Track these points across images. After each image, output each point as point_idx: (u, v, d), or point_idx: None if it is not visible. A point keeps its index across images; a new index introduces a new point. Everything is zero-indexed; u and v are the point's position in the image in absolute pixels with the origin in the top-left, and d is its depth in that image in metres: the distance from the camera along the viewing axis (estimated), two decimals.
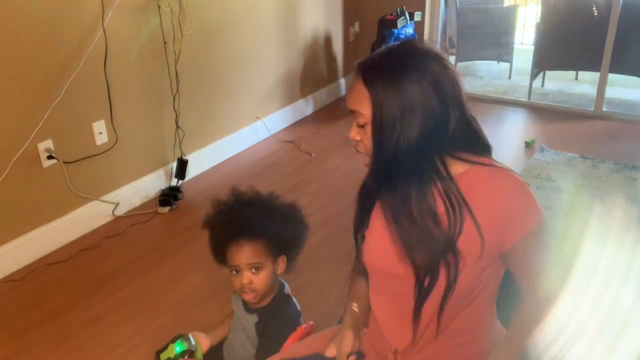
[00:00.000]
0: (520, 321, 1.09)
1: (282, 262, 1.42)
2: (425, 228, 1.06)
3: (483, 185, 1.07)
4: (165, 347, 1.41)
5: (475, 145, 1.12)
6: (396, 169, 1.08)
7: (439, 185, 1.07)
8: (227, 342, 1.55)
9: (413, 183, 1.08)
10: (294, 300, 1.48)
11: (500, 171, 1.09)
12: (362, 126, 1.09)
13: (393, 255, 1.12)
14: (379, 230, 1.15)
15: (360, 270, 1.28)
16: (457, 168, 1.09)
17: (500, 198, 1.06)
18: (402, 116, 1.05)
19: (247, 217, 1.38)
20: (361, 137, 1.11)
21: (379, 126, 1.06)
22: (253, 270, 1.35)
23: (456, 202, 1.06)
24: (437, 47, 1.10)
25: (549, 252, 1.06)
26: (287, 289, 1.49)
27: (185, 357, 1.38)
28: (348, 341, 1.24)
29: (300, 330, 1.37)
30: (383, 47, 1.13)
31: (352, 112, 1.10)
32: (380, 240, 1.14)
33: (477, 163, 1.09)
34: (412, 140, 1.05)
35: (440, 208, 1.07)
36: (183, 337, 1.42)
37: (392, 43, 1.15)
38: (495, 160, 1.12)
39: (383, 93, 1.05)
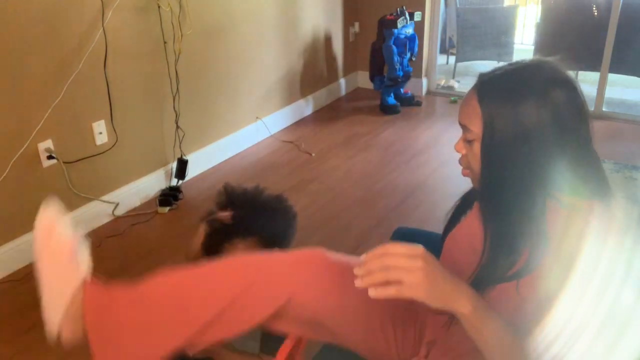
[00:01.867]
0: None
1: None
2: (511, 260, 1.01)
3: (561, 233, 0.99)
4: None
5: (589, 184, 1.02)
6: (500, 194, 1.02)
7: (533, 221, 1.01)
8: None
9: (515, 214, 1.01)
10: None
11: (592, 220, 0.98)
12: (469, 142, 1.05)
13: (466, 259, 1.11)
14: (467, 229, 1.16)
15: None
16: (553, 205, 1.01)
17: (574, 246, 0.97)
18: (514, 141, 0.98)
19: (236, 218, 1.39)
20: (467, 151, 1.07)
21: (488, 147, 1.01)
22: None
23: (541, 243, 0.99)
24: (569, 72, 1.02)
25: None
26: None
27: None
28: None
29: None
30: (511, 63, 1.05)
31: (462, 126, 1.06)
32: (465, 244, 1.15)
33: (575, 208, 0.99)
34: (521, 167, 0.99)
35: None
36: None
37: (521, 59, 1.06)
38: (604, 208, 1.00)
39: (496, 113, 0.99)
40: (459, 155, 1.12)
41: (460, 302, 0.93)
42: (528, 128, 0.97)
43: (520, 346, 0.96)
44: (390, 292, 0.90)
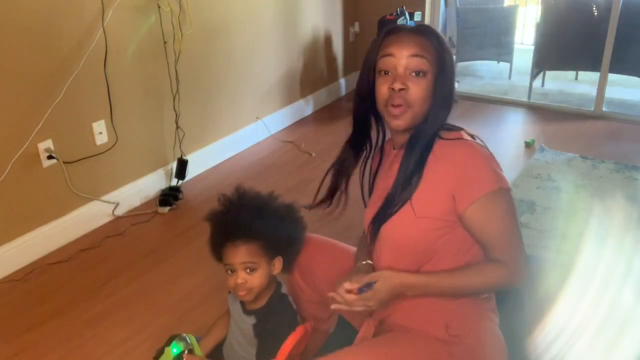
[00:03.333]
0: (468, 270, 1.19)
1: (278, 263, 1.42)
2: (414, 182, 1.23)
3: (446, 156, 1.19)
4: (162, 351, 1.41)
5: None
6: (432, 126, 1.24)
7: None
8: (227, 343, 1.55)
9: (428, 143, 1.24)
10: (290, 299, 1.48)
11: (460, 143, 1.21)
12: (419, 74, 1.20)
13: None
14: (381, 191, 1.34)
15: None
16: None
17: (452, 165, 1.17)
18: (452, 77, 1.24)
19: (243, 218, 1.38)
20: (412, 85, 1.21)
21: (440, 80, 1.21)
22: (248, 270, 1.36)
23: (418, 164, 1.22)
24: None
25: (509, 219, 1.14)
26: (284, 288, 1.49)
27: (184, 358, 1.38)
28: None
29: (299, 330, 1.37)
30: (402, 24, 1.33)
31: (415, 57, 1.20)
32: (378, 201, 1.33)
33: (448, 139, 1.22)
34: (449, 101, 1.24)
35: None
36: (178, 337, 1.41)
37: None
38: (465, 133, 1.25)
39: (442, 49, 1.22)
40: None
41: (408, 293, 1.21)
42: (451, 66, 1.23)
43: (478, 279, 1.16)
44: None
